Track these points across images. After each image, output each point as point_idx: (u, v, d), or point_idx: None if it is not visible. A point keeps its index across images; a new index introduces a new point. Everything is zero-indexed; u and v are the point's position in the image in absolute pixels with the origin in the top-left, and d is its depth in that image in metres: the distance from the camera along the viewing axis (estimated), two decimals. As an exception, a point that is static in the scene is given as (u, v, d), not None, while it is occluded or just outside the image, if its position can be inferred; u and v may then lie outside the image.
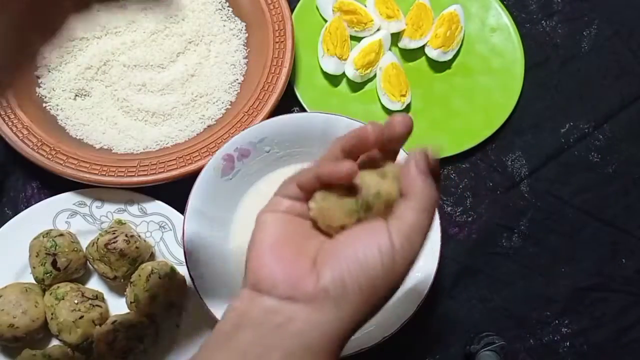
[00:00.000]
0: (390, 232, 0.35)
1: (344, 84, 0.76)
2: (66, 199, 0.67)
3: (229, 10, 0.76)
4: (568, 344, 0.69)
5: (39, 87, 0.72)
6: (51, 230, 0.63)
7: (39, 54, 0.73)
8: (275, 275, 0.35)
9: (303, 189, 0.38)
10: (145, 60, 0.72)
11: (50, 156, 0.65)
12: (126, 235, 0.61)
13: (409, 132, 0.37)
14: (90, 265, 0.64)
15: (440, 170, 0.39)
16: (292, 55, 0.70)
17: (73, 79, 0.71)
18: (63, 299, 0.60)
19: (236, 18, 0.75)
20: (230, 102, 0.72)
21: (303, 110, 0.74)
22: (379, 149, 0.39)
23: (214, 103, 0.72)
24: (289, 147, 0.66)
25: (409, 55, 0.77)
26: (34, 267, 0.62)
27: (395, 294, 0.37)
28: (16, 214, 0.66)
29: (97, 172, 0.65)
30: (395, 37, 0.77)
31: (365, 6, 0.77)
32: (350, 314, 0.35)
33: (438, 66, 0.77)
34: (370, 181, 0.37)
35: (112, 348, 0.58)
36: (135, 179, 0.65)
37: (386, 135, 0.37)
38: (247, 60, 0.74)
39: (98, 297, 0.63)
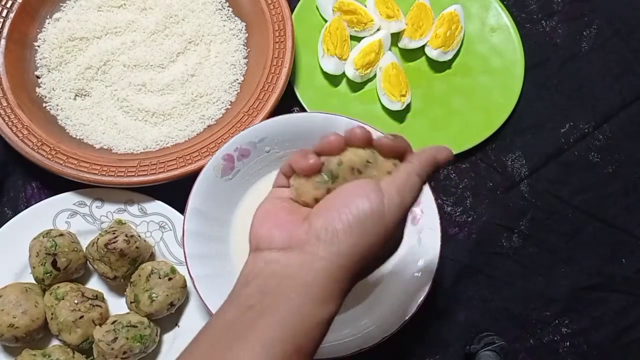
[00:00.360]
0: (380, 184, 0.39)
1: (344, 84, 0.76)
2: (66, 199, 0.67)
3: (229, 10, 0.76)
4: (568, 344, 0.69)
5: (39, 87, 0.72)
6: (51, 230, 0.63)
7: (39, 54, 0.73)
8: (272, 232, 0.39)
9: (284, 174, 0.43)
10: (145, 60, 0.72)
11: (50, 156, 0.65)
12: (126, 235, 0.61)
13: (366, 141, 0.41)
14: (90, 265, 0.64)
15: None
16: (292, 55, 0.70)
17: (73, 79, 0.71)
18: (63, 299, 0.60)
19: (236, 18, 0.75)
20: (230, 102, 0.72)
21: (303, 110, 0.74)
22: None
23: (214, 103, 0.72)
24: (289, 147, 0.66)
25: (409, 55, 0.77)
26: (34, 267, 0.62)
27: (393, 255, 0.41)
28: (16, 214, 0.66)
29: (97, 172, 0.65)
30: (395, 37, 0.77)
31: (365, 6, 0.77)
32: (342, 251, 0.37)
33: (438, 66, 0.77)
34: (335, 157, 0.41)
35: (112, 348, 0.58)
36: (135, 179, 0.65)
37: (347, 142, 0.41)
38: (247, 60, 0.74)
39: (98, 297, 0.63)
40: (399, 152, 0.42)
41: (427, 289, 0.61)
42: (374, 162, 0.41)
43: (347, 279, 0.38)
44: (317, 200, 0.41)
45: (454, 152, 0.71)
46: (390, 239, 0.39)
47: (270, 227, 0.39)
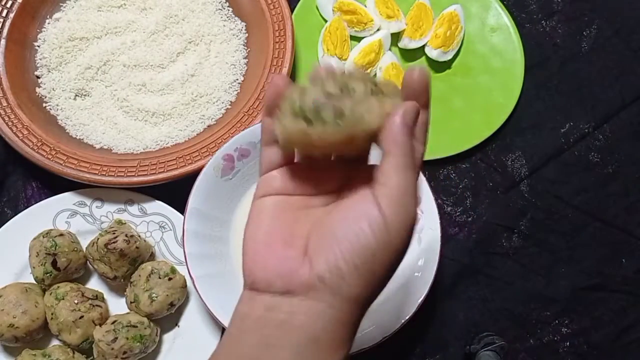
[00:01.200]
0: (379, 203, 0.33)
1: (344, 84, 0.76)
2: (66, 199, 0.67)
3: (229, 10, 0.76)
4: (568, 344, 0.69)
5: (39, 87, 0.72)
6: (51, 230, 0.63)
7: (39, 54, 0.73)
8: (269, 272, 0.34)
9: (269, 144, 0.37)
10: (145, 60, 0.72)
11: (50, 156, 0.65)
12: (126, 235, 0.61)
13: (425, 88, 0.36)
14: (90, 265, 0.64)
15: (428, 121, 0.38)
16: (292, 55, 0.70)
17: (73, 79, 0.71)
18: (63, 299, 0.60)
19: (236, 18, 0.75)
20: (230, 102, 0.72)
21: (303, 110, 0.74)
22: None
23: (214, 103, 0.72)
24: (289, 147, 0.66)
25: (409, 55, 0.78)
26: (34, 267, 0.62)
27: (396, 273, 0.36)
28: (16, 214, 0.66)
29: (97, 172, 0.65)
30: (395, 37, 0.77)
31: (365, 6, 0.77)
32: (352, 297, 0.33)
33: (438, 66, 0.77)
34: (320, 86, 0.35)
35: (112, 348, 0.58)
36: (135, 179, 0.65)
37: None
38: (247, 60, 0.74)
39: (98, 297, 0.63)
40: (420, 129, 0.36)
41: (427, 289, 0.61)
42: (350, 92, 0.34)
43: (358, 318, 0.34)
44: (294, 141, 0.34)
45: (454, 152, 0.73)
46: (400, 261, 0.34)
47: (265, 265, 0.35)
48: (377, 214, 0.33)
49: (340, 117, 0.33)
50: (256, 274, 0.35)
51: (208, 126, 0.71)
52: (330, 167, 0.39)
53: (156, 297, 0.61)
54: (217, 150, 0.64)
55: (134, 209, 0.67)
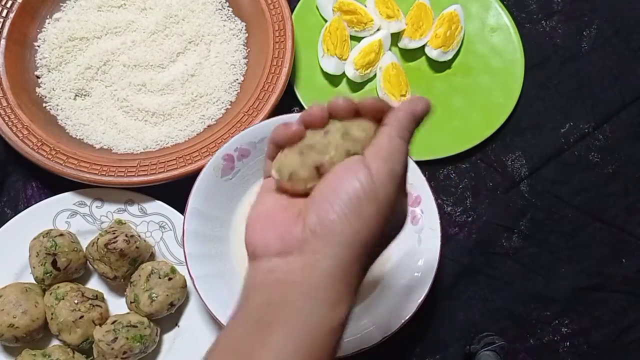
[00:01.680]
0: (366, 159, 0.36)
1: (344, 84, 0.76)
2: (66, 199, 0.67)
3: (229, 10, 0.76)
4: (568, 344, 0.69)
5: (39, 87, 0.72)
6: (51, 230, 0.63)
7: (39, 54, 0.73)
8: (267, 238, 0.36)
9: (269, 157, 0.40)
10: (145, 60, 0.72)
11: (50, 156, 0.65)
12: (126, 235, 0.61)
13: (349, 110, 0.38)
14: (90, 265, 0.64)
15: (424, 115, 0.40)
16: (292, 55, 0.70)
17: (73, 79, 0.71)
18: (63, 299, 0.60)
19: (236, 18, 0.75)
20: (230, 102, 0.72)
21: (303, 110, 0.74)
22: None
23: (214, 103, 0.72)
24: (289, 147, 0.66)
25: (409, 55, 0.78)
26: (34, 267, 0.62)
27: (398, 235, 0.38)
28: (16, 214, 0.66)
29: (97, 172, 0.65)
30: (395, 37, 0.77)
31: (365, 6, 0.77)
32: (344, 242, 0.34)
33: (438, 66, 0.77)
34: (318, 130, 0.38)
35: (112, 348, 0.58)
36: (135, 179, 0.65)
37: (331, 112, 0.38)
38: (247, 60, 0.74)
39: (98, 297, 0.63)
40: (383, 113, 0.38)
41: (427, 289, 0.61)
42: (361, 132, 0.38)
43: (355, 273, 0.35)
44: (305, 182, 0.37)
45: (454, 152, 0.73)
46: (391, 215, 0.36)
47: (263, 231, 0.37)
48: (364, 168, 0.35)
49: (320, 167, 0.37)
50: (256, 240, 0.37)
51: (208, 126, 0.71)
52: None
53: (156, 297, 0.61)
54: (217, 150, 0.64)
55: (134, 209, 0.67)
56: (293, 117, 0.65)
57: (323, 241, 0.34)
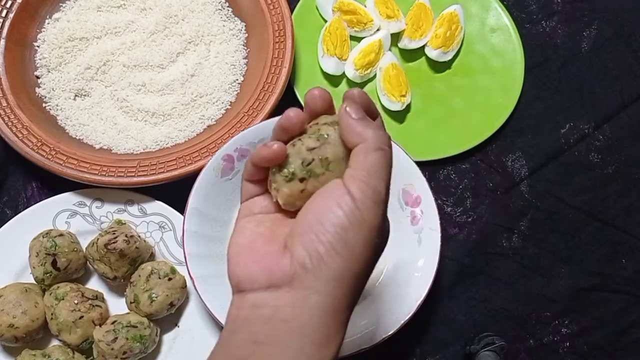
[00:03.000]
0: (346, 184, 0.34)
1: (344, 84, 0.76)
2: (66, 199, 0.67)
3: (228, 10, 0.76)
4: (568, 344, 0.69)
5: (39, 87, 0.72)
6: (51, 230, 0.63)
7: (38, 54, 0.73)
8: (252, 271, 0.35)
9: (250, 180, 0.39)
10: (145, 60, 0.72)
11: (50, 156, 0.65)
12: (126, 236, 0.61)
13: (329, 104, 0.38)
14: (90, 265, 0.64)
15: (373, 105, 0.39)
16: (292, 55, 0.70)
17: (73, 79, 0.71)
18: (63, 299, 0.60)
19: (236, 18, 0.75)
20: (230, 102, 0.72)
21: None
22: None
23: (213, 103, 0.72)
24: (289, 147, 0.66)
25: (409, 55, 0.77)
26: (33, 267, 0.62)
27: (385, 247, 0.37)
28: (16, 214, 0.66)
29: (97, 172, 0.65)
30: (395, 37, 0.77)
31: (365, 6, 0.77)
32: (335, 276, 0.33)
33: (438, 66, 0.77)
34: (300, 145, 0.37)
35: (112, 348, 0.58)
36: (135, 179, 0.65)
37: (310, 114, 0.38)
38: (247, 60, 0.74)
39: (98, 297, 0.63)
40: (369, 111, 0.37)
41: (427, 289, 0.61)
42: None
43: (345, 307, 0.34)
44: (295, 200, 0.37)
45: (454, 152, 0.73)
46: (378, 238, 0.35)
47: (247, 264, 0.35)
48: (346, 194, 0.34)
49: (327, 164, 0.37)
50: (240, 274, 0.35)
51: (208, 126, 0.71)
52: None
53: (156, 297, 0.61)
54: (217, 150, 0.64)
55: (133, 209, 0.67)
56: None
57: (313, 276, 0.33)
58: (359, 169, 0.35)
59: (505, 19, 0.78)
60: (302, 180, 0.37)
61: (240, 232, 0.38)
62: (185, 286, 0.63)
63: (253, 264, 0.35)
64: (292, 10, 0.74)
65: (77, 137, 0.70)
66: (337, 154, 0.37)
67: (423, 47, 0.76)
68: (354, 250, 0.33)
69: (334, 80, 0.75)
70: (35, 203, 0.67)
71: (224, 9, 0.75)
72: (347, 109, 0.36)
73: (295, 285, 0.33)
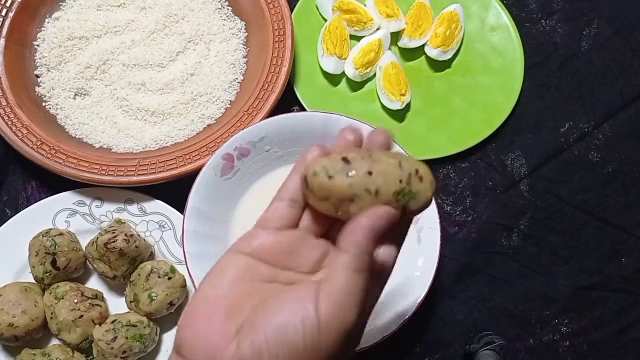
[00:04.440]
0: (318, 300, 0.32)
1: (343, 84, 0.76)
2: (66, 199, 0.67)
3: (228, 9, 0.76)
4: (568, 343, 0.69)
5: (39, 86, 0.72)
6: (51, 229, 0.63)
7: (38, 53, 0.73)
8: (197, 340, 0.33)
9: (294, 200, 0.37)
10: (145, 60, 0.72)
11: (50, 155, 0.65)
12: (126, 235, 0.61)
13: (388, 142, 0.37)
14: (90, 265, 0.64)
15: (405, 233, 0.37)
16: (292, 55, 0.70)
17: (73, 79, 0.71)
18: (63, 299, 0.60)
19: (236, 17, 0.75)
20: (230, 101, 0.72)
21: (303, 109, 0.74)
22: None
23: (213, 102, 0.72)
24: (289, 147, 0.66)
25: (409, 54, 0.77)
26: (33, 267, 0.62)
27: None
28: (16, 214, 0.66)
29: (96, 171, 0.65)
30: (395, 36, 0.77)
31: (365, 5, 0.77)
32: None
33: (438, 65, 0.77)
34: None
35: (112, 347, 0.58)
36: (135, 179, 0.65)
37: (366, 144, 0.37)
38: (247, 59, 0.74)
39: (98, 296, 0.63)
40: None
41: (427, 288, 0.61)
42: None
43: None
44: (326, 198, 0.35)
45: (454, 152, 0.73)
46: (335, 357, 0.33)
47: (198, 334, 0.33)
48: (313, 313, 0.32)
49: (370, 173, 0.34)
50: (186, 338, 0.34)
51: (208, 125, 0.71)
52: (314, 246, 0.37)
53: (156, 296, 0.61)
54: (217, 149, 0.64)
55: (133, 208, 0.67)
56: (293, 117, 0.65)
57: None
58: (338, 287, 0.32)
59: (505, 18, 0.78)
60: (351, 199, 0.34)
61: (219, 277, 0.35)
62: (185, 285, 0.63)
63: (202, 337, 0.33)
64: (292, 10, 0.74)
65: (77, 137, 0.70)
66: (382, 172, 0.35)
67: (423, 46, 0.76)
68: None
69: (334, 79, 0.75)
70: (35, 202, 0.67)
71: (224, 8, 0.75)
72: (375, 215, 0.34)
73: None
